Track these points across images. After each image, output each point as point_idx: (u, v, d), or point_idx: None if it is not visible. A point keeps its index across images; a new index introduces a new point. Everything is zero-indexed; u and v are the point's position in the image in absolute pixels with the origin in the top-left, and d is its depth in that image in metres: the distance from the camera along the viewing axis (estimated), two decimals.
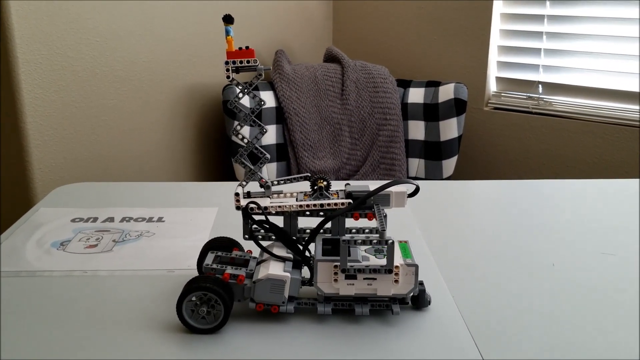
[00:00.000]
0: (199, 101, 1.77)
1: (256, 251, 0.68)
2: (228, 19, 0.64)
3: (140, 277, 0.75)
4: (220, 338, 0.61)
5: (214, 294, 0.61)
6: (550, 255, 0.82)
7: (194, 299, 0.61)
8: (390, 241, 0.61)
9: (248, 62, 0.64)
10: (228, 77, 0.64)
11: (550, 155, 1.97)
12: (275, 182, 0.70)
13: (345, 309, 0.65)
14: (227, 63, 0.64)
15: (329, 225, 0.68)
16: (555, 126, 1.93)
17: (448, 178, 1.85)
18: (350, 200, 0.66)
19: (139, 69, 1.54)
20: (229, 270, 0.64)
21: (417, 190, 0.68)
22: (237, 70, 0.64)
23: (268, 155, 0.68)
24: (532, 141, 1.99)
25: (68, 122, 1.38)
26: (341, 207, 0.66)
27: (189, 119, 1.75)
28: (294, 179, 0.70)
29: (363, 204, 0.66)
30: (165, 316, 0.65)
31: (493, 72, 2.05)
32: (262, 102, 0.66)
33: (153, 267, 0.77)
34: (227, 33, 0.64)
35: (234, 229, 0.75)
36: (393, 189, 0.67)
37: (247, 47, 0.64)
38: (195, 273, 0.72)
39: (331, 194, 0.68)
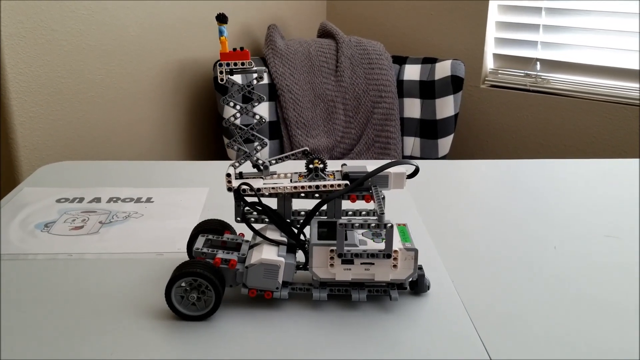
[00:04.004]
0: (190, 77, 1.73)
1: (248, 234, 0.66)
2: (222, 19, 0.61)
3: (127, 261, 0.72)
4: (211, 325, 0.59)
5: (205, 280, 0.59)
6: (552, 238, 0.80)
7: (183, 284, 0.59)
8: (389, 225, 0.58)
9: (243, 64, 0.61)
10: (222, 79, 0.62)
11: (547, 134, 1.95)
12: (273, 162, 0.67)
13: (341, 295, 0.63)
14: (220, 65, 0.61)
15: (324, 207, 0.65)
16: (553, 104, 1.91)
17: (444, 157, 1.83)
18: (347, 182, 0.64)
19: (128, 43, 1.50)
20: (220, 254, 0.62)
21: (416, 171, 0.66)
22: (231, 72, 0.62)
23: (266, 140, 0.65)
24: (529, 119, 1.97)
25: (54, 99, 1.34)
26: (338, 188, 0.64)
27: (179, 95, 1.71)
28: (292, 155, 0.67)
29: (360, 186, 0.64)
30: (154, 302, 0.63)
31: (490, 49, 2.02)
32: (262, 98, 0.64)
33: (141, 250, 0.75)
34: (221, 33, 0.61)
35: (225, 210, 0.72)
36: (392, 169, 0.65)
37: (241, 48, 0.61)
38: (185, 257, 0.70)
39: (327, 175, 0.65)
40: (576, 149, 1.90)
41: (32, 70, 1.28)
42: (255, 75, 0.62)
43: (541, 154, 1.97)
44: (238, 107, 0.64)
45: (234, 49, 0.61)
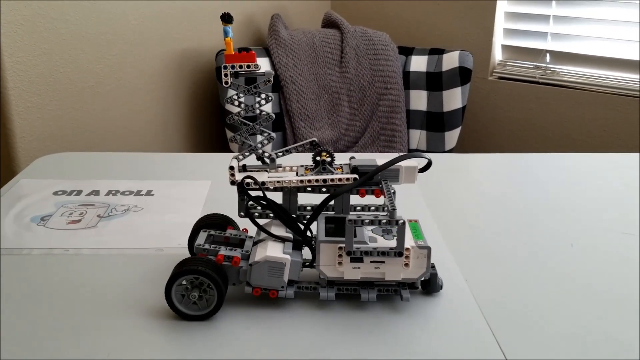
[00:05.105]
0: (191, 67, 1.71)
1: (252, 230, 0.63)
2: (227, 19, 0.58)
3: (126, 257, 0.70)
4: (213, 325, 0.57)
5: (207, 278, 0.56)
6: (568, 235, 0.77)
7: (184, 282, 0.57)
8: (401, 221, 0.56)
9: (248, 66, 0.59)
10: (226, 82, 0.59)
11: (557, 127, 1.92)
12: (280, 154, 0.64)
13: (350, 294, 0.60)
14: (225, 67, 0.59)
15: (331, 202, 0.62)
16: (563, 97, 1.88)
17: (450, 150, 1.80)
18: (356, 176, 0.61)
19: (128, 32, 1.47)
20: (223, 251, 0.59)
21: (429, 164, 0.63)
22: (235, 74, 0.60)
23: (273, 135, 0.63)
24: (538, 112, 1.94)
25: (52, 89, 1.31)
26: (346, 182, 0.61)
27: (181, 85, 1.68)
28: (300, 146, 0.64)
29: (370, 180, 0.61)
30: (153, 300, 0.60)
31: (499, 40, 1.99)
32: (270, 98, 0.61)
33: (140, 245, 0.72)
34: (226, 34, 0.59)
35: (228, 204, 0.70)
36: (403, 163, 0.62)
37: (247, 50, 0.59)
38: (186, 253, 0.67)
39: (335, 169, 0.63)
40: (586, 143, 1.87)
41: (30, 59, 1.26)
42: (263, 78, 0.60)
43: (550, 148, 1.94)
44: (243, 105, 0.62)
45: (239, 51, 0.59)
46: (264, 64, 1.74)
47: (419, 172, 0.63)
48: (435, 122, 1.79)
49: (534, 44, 1.93)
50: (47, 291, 0.62)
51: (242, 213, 0.63)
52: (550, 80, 1.91)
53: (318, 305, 0.60)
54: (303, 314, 0.59)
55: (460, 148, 1.85)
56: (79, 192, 0.86)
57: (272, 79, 0.60)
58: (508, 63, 1.99)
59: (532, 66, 1.95)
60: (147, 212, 0.81)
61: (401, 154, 0.63)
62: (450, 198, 0.89)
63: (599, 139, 1.85)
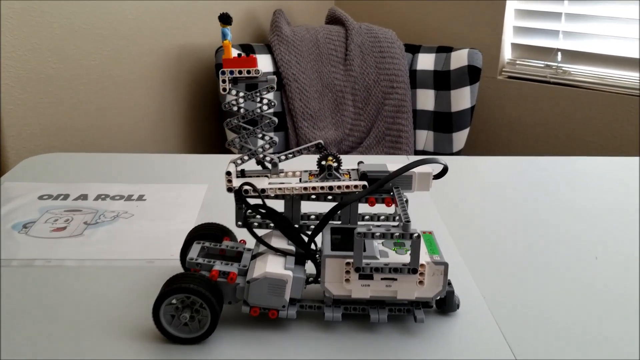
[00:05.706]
0: (190, 63, 1.66)
1: (251, 241, 0.57)
2: (225, 19, 0.53)
3: (113, 269, 0.65)
4: (206, 349, 0.52)
5: (199, 297, 0.51)
6: (591, 247, 0.72)
7: (174, 302, 0.52)
8: (415, 235, 0.50)
9: (248, 72, 0.54)
10: (224, 89, 0.55)
11: (568, 129, 1.87)
12: (283, 157, 0.59)
13: (358, 315, 0.56)
14: (223, 73, 0.54)
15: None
16: (575, 97, 1.83)
17: (458, 152, 1.75)
18: (365, 183, 0.55)
19: (124, 26, 1.43)
20: (218, 266, 0.54)
21: (444, 170, 0.58)
22: (234, 80, 0.55)
23: (276, 139, 0.58)
24: (549, 113, 1.89)
25: (44, 85, 1.26)
26: (354, 190, 0.55)
27: (178, 83, 1.64)
28: (304, 149, 0.59)
29: (381, 187, 0.56)
30: (141, 320, 0.55)
31: (508, 38, 1.94)
32: (273, 104, 0.57)
33: (129, 256, 0.67)
34: (224, 36, 0.54)
35: (226, 209, 0.65)
36: (416, 169, 0.56)
37: (247, 54, 0.54)
38: (179, 265, 0.62)
39: (341, 174, 0.57)
40: (599, 145, 1.82)
41: (20, 55, 1.21)
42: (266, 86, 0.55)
43: (561, 150, 1.89)
44: (243, 110, 0.56)
45: (239, 55, 0.54)
46: (266, 61, 1.69)
47: (433, 178, 0.58)
48: (443, 123, 1.74)
49: (545, 42, 1.88)
50: (24, 307, 0.57)
51: (239, 223, 0.58)
52: (562, 79, 1.86)
53: (323, 327, 0.55)
54: (306, 336, 0.54)
55: (468, 149, 1.79)
56: (66, 197, 0.81)
57: (275, 86, 0.55)
58: (518, 62, 1.94)
59: (542, 65, 1.90)
60: (138, 219, 0.75)
61: (410, 156, 0.57)
62: (462, 204, 0.83)
63: (612, 141, 1.80)
